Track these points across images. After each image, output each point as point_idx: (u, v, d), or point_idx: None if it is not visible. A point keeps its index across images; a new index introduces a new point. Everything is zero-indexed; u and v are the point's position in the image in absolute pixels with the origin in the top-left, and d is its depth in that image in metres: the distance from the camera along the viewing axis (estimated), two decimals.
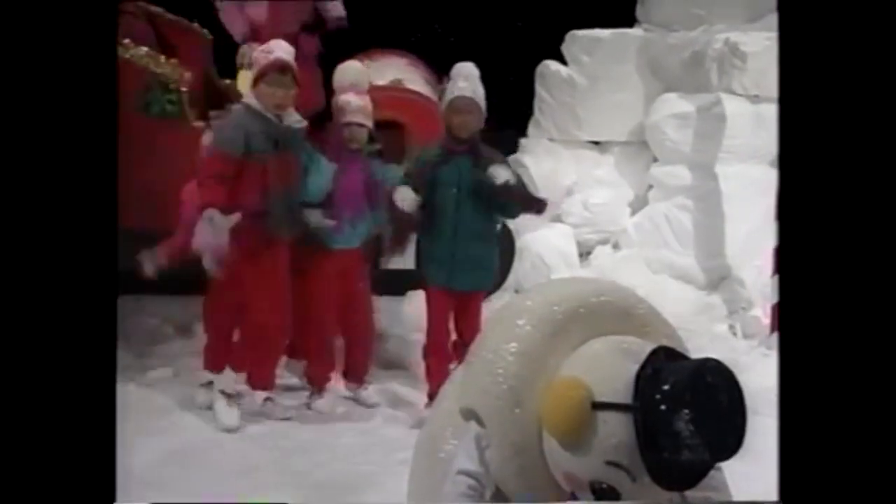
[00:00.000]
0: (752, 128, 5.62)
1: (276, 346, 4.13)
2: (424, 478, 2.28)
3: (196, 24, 5.65)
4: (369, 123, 4.23)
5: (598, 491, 1.84)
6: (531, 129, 6.58)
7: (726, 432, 1.76)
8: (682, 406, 1.73)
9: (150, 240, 4.14)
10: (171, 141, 4.75)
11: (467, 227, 4.08)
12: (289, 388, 4.40)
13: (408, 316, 5.11)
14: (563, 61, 6.50)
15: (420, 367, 4.30)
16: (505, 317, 2.08)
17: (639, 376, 1.80)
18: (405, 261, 4.46)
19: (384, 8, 6.54)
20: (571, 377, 1.88)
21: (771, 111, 4.90)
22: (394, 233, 4.21)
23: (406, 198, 4.00)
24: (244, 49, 4.62)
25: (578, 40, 6.44)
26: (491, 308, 4.01)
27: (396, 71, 5.71)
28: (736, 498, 2.06)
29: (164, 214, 4.35)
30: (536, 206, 4.16)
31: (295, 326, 4.17)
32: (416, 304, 4.78)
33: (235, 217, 3.76)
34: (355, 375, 4.40)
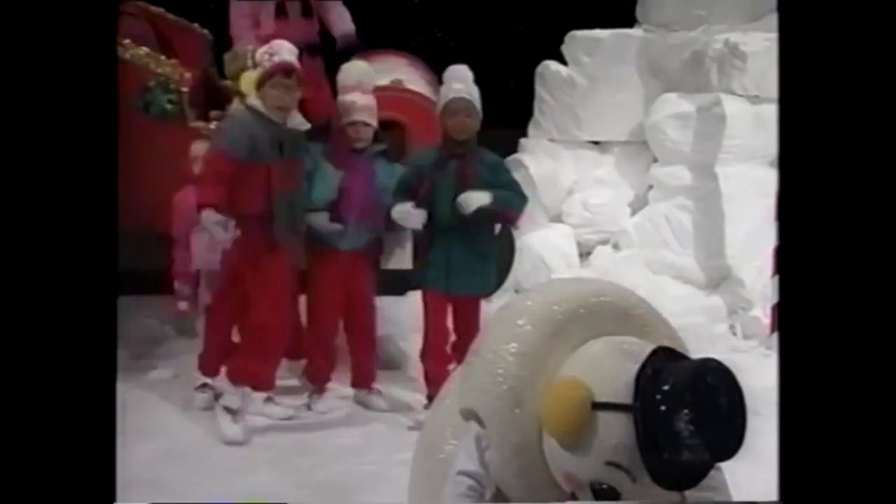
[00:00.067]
0: (752, 128, 5.61)
1: (276, 347, 4.12)
2: (424, 478, 2.28)
3: (196, 24, 5.65)
4: (375, 122, 4.22)
5: (598, 491, 1.84)
6: (531, 130, 6.56)
7: (726, 433, 1.76)
8: (682, 406, 1.73)
9: (150, 240, 4.14)
10: (171, 141, 4.75)
11: (464, 232, 4.05)
12: (289, 389, 4.39)
13: (407, 316, 5.10)
14: (564, 62, 6.48)
15: (419, 368, 4.29)
16: (505, 317, 2.08)
17: (639, 377, 1.80)
18: (405, 261, 4.45)
19: (384, 12, 6.53)
20: (571, 377, 1.87)
21: (771, 111, 4.88)
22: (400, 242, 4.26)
23: (406, 214, 3.99)
24: (239, 50, 4.61)
25: (578, 41, 6.42)
26: (491, 308, 4.01)
27: (397, 71, 5.70)
28: (736, 498, 2.05)
29: (164, 215, 4.36)
30: (512, 221, 4.31)
31: (295, 326, 4.16)
32: (415, 304, 4.77)
33: (231, 232, 3.78)
34: (362, 379, 4.38)
